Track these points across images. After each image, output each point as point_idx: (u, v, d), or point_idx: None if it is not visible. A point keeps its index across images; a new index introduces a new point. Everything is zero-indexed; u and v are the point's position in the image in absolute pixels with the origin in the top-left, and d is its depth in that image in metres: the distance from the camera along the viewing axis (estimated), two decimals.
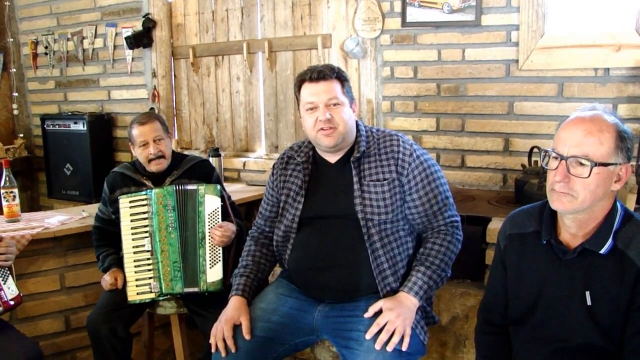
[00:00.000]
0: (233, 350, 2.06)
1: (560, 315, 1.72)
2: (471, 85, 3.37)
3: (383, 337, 1.94)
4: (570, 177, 1.60)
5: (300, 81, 2.18)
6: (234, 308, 2.17)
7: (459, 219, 2.23)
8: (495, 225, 2.62)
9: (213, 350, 2.10)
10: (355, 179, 2.16)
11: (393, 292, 2.10)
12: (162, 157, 2.81)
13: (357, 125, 2.23)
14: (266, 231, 2.42)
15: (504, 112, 3.29)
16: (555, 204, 1.66)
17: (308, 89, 2.15)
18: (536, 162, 2.97)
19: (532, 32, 3.14)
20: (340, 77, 2.17)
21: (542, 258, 1.76)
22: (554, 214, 1.73)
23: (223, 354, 2.06)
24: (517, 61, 3.21)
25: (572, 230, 1.70)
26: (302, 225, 2.24)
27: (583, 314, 1.67)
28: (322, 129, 2.12)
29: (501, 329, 1.92)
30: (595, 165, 1.57)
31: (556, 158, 1.63)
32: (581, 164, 1.59)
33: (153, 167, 2.83)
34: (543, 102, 3.17)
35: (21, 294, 2.42)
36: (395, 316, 1.97)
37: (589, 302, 1.66)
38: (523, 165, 3.04)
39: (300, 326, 2.18)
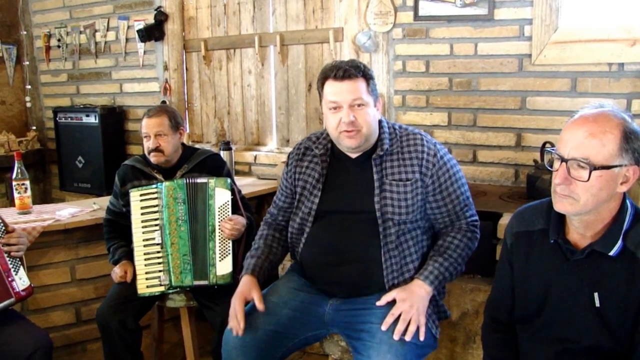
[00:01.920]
0: (241, 325, 2.06)
1: (567, 316, 1.69)
2: (483, 80, 3.33)
3: (400, 327, 1.93)
4: (571, 179, 1.56)
5: (324, 77, 2.13)
6: (244, 284, 2.18)
7: (477, 218, 2.24)
8: (506, 221, 2.60)
9: (234, 332, 2.09)
10: (376, 177, 2.14)
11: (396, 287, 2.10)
12: (161, 151, 2.82)
13: (380, 122, 2.20)
14: (279, 219, 2.42)
15: (516, 107, 3.26)
16: (557, 205, 1.63)
17: (332, 87, 2.10)
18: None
19: (546, 26, 3.10)
20: (366, 75, 2.12)
21: (549, 257, 1.73)
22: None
23: (240, 333, 2.06)
24: (530, 56, 3.17)
25: (580, 231, 1.66)
26: (318, 218, 2.22)
27: (591, 316, 1.64)
28: (345, 130, 2.08)
29: (508, 327, 1.90)
30: (595, 169, 1.52)
31: (558, 159, 1.60)
32: (582, 166, 1.54)
33: (152, 159, 2.85)
34: (556, 97, 3.14)
35: (32, 285, 2.43)
36: (409, 306, 1.97)
37: (597, 304, 1.63)
38: (535, 161, 3.01)
39: (311, 320, 2.17)
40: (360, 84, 2.09)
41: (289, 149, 4.15)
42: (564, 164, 1.57)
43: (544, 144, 2.95)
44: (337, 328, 2.16)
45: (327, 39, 3.90)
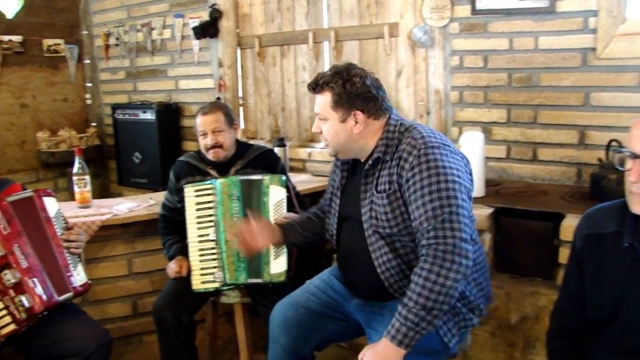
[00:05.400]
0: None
1: None
2: (544, 75, 3.22)
3: None
4: None
5: None
6: None
7: (454, 242, 1.81)
8: (570, 222, 2.50)
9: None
10: (363, 188, 2.06)
11: None
12: (220, 147, 2.82)
13: (387, 126, 2.04)
14: (325, 205, 2.40)
15: (579, 103, 3.13)
16: (635, 207, 1.54)
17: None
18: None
19: (612, 17, 2.96)
20: (329, 88, 2.00)
21: (623, 262, 1.63)
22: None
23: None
24: (594, 49, 3.04)
25: None
26: (340, 221, 2.21)
27: None
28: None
29: (575, 335, 1.79)
30: None
31: (631, 157, 1.51)
32: None
33: (210, 156, 2.85)
34: (623, 92, 2.99)
35: (89, 281, 2.48)
36: None
37: None
38: (600, 160, 2.89)
39: (343, 311, 2.23)
40: (324, 98, 2.03)
41: None
42: (637, 160, 1.49)
43: (610, 141, 2.83)
44: (362, 323, 2.18)
45: (382, 35, 3.84)
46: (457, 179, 1.87)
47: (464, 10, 3.43)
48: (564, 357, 1.83)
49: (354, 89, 1.99)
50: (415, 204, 1.87)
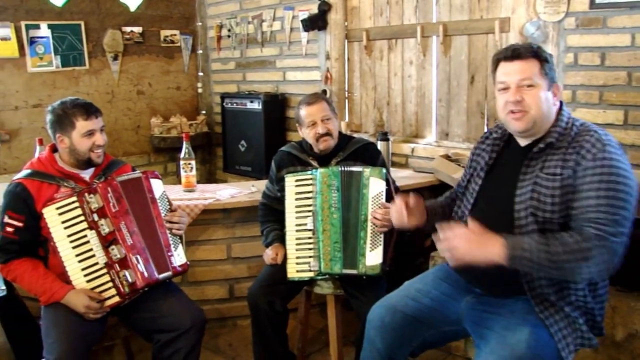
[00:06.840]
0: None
1: None
2: None
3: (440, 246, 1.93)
4: None
5: (496, 60, 2.05)
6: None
7: (618, 240, 1.78)
8: None
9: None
10: (530, 169, 1.98)
11: (543, 297, 1.91)
12: (330, 135, 2.82)
13: (561, 113, 2.01)
14: (459, 192, 2.37)
15: None
16: None
17: (502, 68, 2.02)
18: None
19: None
20: (540, 56, 1.97)
21: None
22: None
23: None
24: None
25: None
26: (475, 205, 2.15)
27: None
28: (511, 111, 1.98)
29: None
30: None
31: None
32: None
33: (321, 145, 2.83)
34: None
35: (188, 262, 2.56)
36: (465, 244, 1.88)
37: None
38: None
39: (448, 313, 2.16)
40: (532, 64, 1.96)
41: (447, 143, 4.04)
42: None
43: None
44: (468, 325, 2.11)
45: (492, 30, 3.71)
46: (630, 182, 1.84)
47: (581, 4, 3.23)
48: None
49: (552, 62, 2.01)
50: (586, 194, 1.84)
